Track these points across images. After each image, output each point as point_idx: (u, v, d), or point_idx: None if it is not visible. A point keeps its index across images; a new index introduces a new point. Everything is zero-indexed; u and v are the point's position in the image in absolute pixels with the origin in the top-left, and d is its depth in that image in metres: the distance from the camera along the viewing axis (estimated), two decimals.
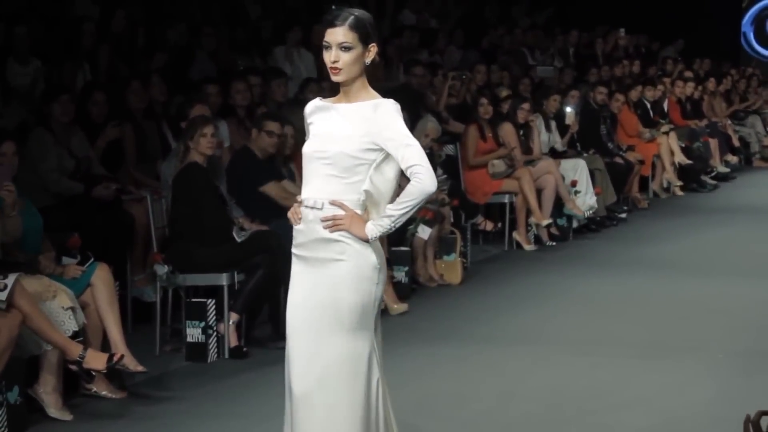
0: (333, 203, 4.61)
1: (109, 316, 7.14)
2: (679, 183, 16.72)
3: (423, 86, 13.20)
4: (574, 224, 13.05)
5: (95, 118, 9.35)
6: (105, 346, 7.10)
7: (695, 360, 7.85)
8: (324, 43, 4.65)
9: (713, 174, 17.83)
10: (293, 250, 4.75)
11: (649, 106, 16.95)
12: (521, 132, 12.82)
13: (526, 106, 12.94)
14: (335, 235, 4.61)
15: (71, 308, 6.79)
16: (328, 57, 4.63)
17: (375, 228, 4.62)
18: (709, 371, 7.60)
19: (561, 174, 12.80)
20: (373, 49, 4.66)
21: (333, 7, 4.71)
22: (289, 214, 4.75)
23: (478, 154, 12.36)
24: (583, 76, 17.19)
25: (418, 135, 11.08)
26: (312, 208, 4.64)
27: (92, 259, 7.29)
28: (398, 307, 9.41)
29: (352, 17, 4.61)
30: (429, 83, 13.45)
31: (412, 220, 10.30)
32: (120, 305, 7.35)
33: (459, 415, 6.72)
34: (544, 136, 13.52)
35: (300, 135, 9.43)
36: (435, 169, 11.17)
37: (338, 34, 4.61)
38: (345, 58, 4.61)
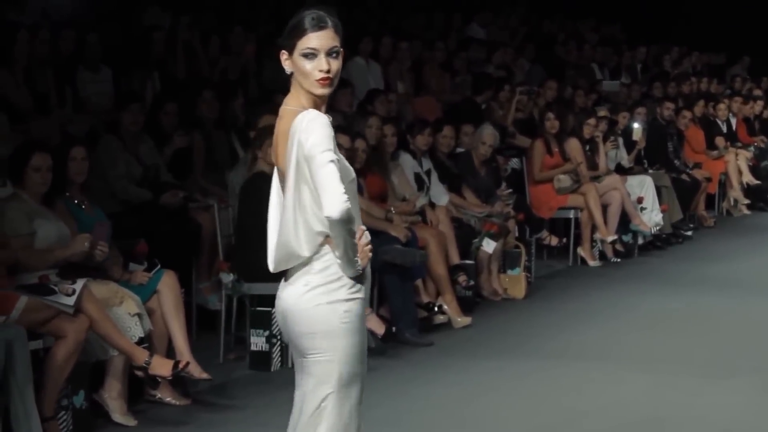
0: None
1: (174, 323, 7.17)
2: (746, 201, 16.57)
3: (488, 100, 13.18)
4: (640, 241, 12.98)
5: (166, 127, 9.40)
6: (169, 352, 7.14)
7: (761, 380, 7.77)
8: (307, 50, 4.03)
9: None
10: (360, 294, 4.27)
11: (721, 123, 16.83)
12: (587, 147, 12.77)
13: (592, 121, 12.88)
14: None
15: (138, 314, 6.85)
16: (317, 65, 4.02)
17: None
18: None
19: (627, 190, 12.73)
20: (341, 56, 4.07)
21: (310, 11, 4.06)
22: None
23: (544, 168, 12.32)
24: (650, 92, 17.09)
25: (476, 142, 11.07)
26: None
27: (159, 266, 7.33)
28: (462, 321, 9.40)
29: (335, 19, 4.02)
30: (495, 97, 13.42)
31: (477, 233, 10.29)
32: (185, 312, 7.37)
33: (522, 431, 6.69)
34: (611, 152, 13.44)
35: (370, 149, 9.43)
36: (500, 183, 11.27)
37: (328, 38, 4.00)
38: (335, 66, 4.03)
